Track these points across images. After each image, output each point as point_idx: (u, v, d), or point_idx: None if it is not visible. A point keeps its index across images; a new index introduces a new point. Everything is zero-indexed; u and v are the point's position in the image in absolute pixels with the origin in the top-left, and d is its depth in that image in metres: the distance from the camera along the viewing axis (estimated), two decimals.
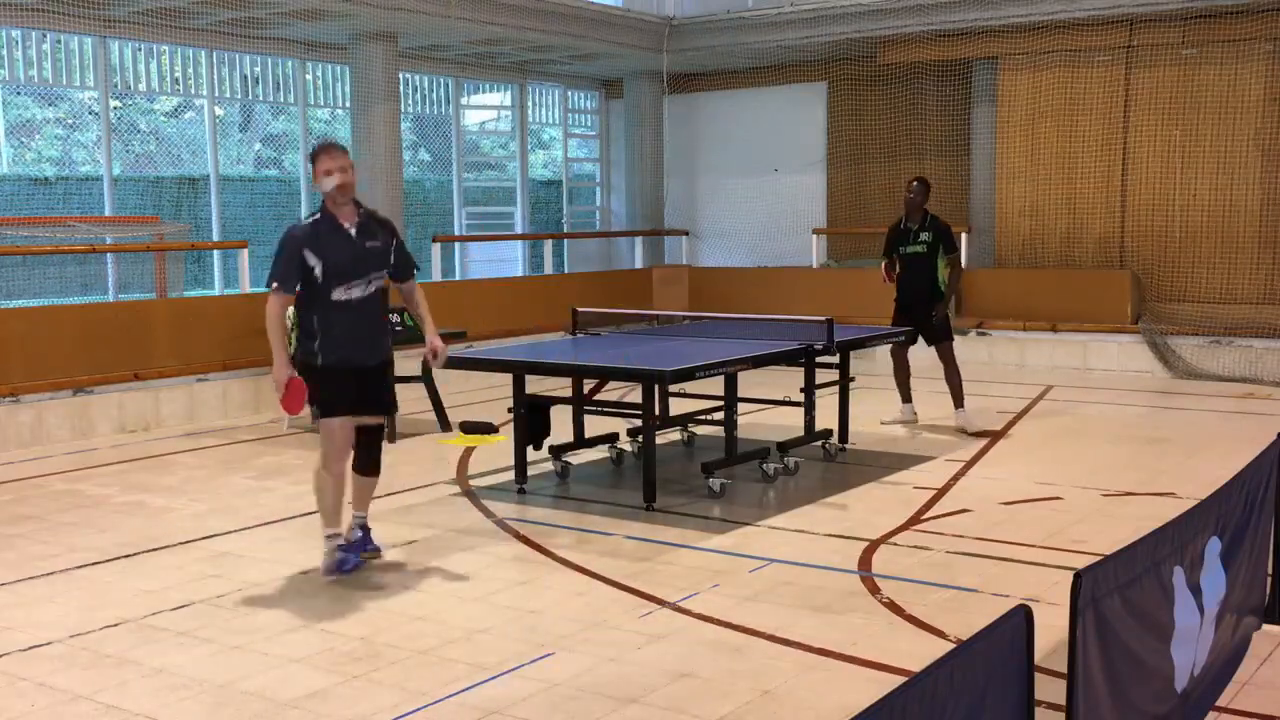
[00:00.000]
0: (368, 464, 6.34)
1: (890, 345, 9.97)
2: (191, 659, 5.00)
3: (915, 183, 9.94)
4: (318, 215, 6.08)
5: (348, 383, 6.04)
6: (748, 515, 7.26)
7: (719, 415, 8.40)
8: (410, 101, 16.04)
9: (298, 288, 6.01)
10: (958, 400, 9.87)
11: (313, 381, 6.00)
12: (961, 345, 14.08)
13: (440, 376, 10.33)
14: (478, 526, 7.14)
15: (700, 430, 9.51)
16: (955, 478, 8.22)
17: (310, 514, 7.33)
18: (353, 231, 6.06)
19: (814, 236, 16.27)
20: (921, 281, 9.84)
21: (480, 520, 7.28)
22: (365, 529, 6.39)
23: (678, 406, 9.03)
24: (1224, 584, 4.13)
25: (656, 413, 7.77)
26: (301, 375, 6.00)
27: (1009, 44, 14.54)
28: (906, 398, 10.11)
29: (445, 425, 10.26)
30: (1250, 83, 13.47)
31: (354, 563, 6.19)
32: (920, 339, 9.88)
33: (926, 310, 9.81)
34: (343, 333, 6.02)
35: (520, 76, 17.34)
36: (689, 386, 8.42)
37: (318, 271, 5.96)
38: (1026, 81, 14.68)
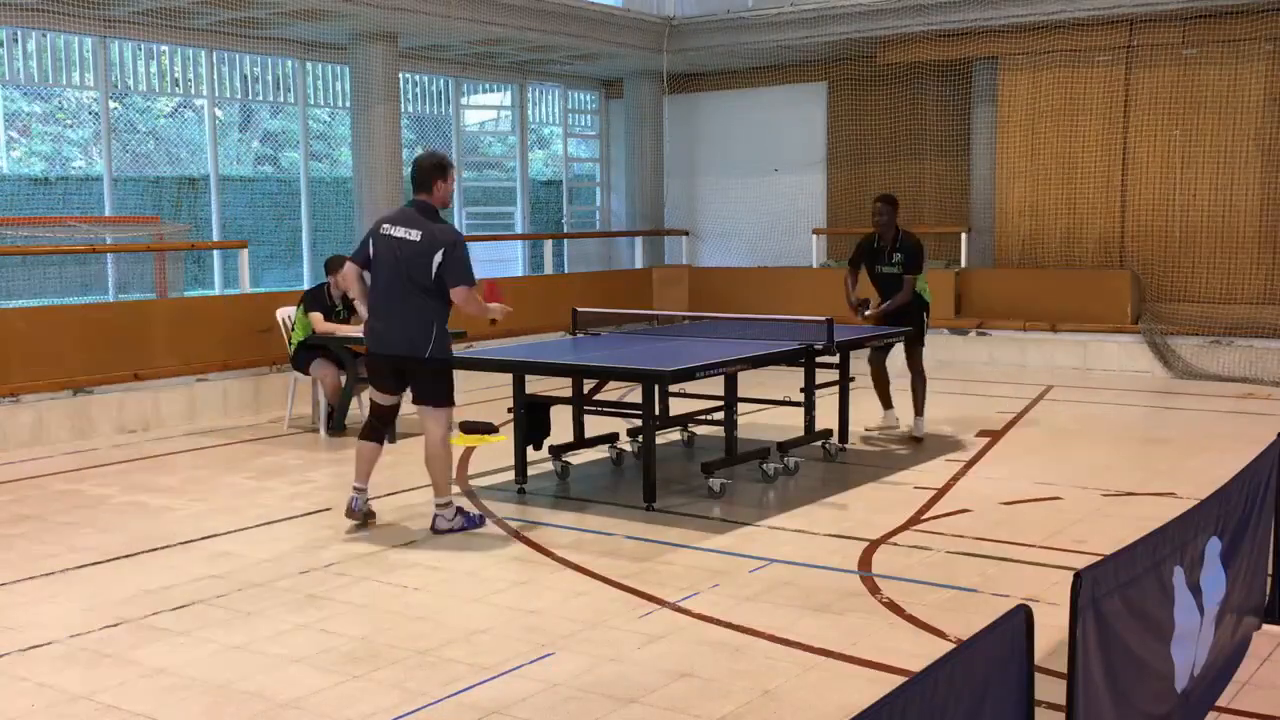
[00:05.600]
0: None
1: (869, 354, 9.70)
2: (191, 659, 5.00)
3: (880, 204, 9.45)
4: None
5: None
6: (748, 515, 7.26)
7: (719, 415, 8.40)
8: (410, 101, 16.03)
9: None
10: (918, 408, 9.58)
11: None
12: (962, 345, 14.22)
13: None
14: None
15: (700, 430, 9.51)
16: (955, 478, 8.22)
17: (311, 513, 7.36)
18: None
19: (814, 236, 16.26)
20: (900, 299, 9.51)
21: None
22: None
23: (678, 406, 9.02)
24: (1224, 584, 4.13)
25: (656, 413, 7.77)
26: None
27: (1009, 44, 14.54)
28: (888, 404, 9.83)
29: None
30: (1250, 83, 13.47)
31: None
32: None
33: (909, 320, 9.48)
34: None
35: (520, 76, 17.34)
36: (689, 386, 8.42)
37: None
38: (1026, 81, 14.68)
